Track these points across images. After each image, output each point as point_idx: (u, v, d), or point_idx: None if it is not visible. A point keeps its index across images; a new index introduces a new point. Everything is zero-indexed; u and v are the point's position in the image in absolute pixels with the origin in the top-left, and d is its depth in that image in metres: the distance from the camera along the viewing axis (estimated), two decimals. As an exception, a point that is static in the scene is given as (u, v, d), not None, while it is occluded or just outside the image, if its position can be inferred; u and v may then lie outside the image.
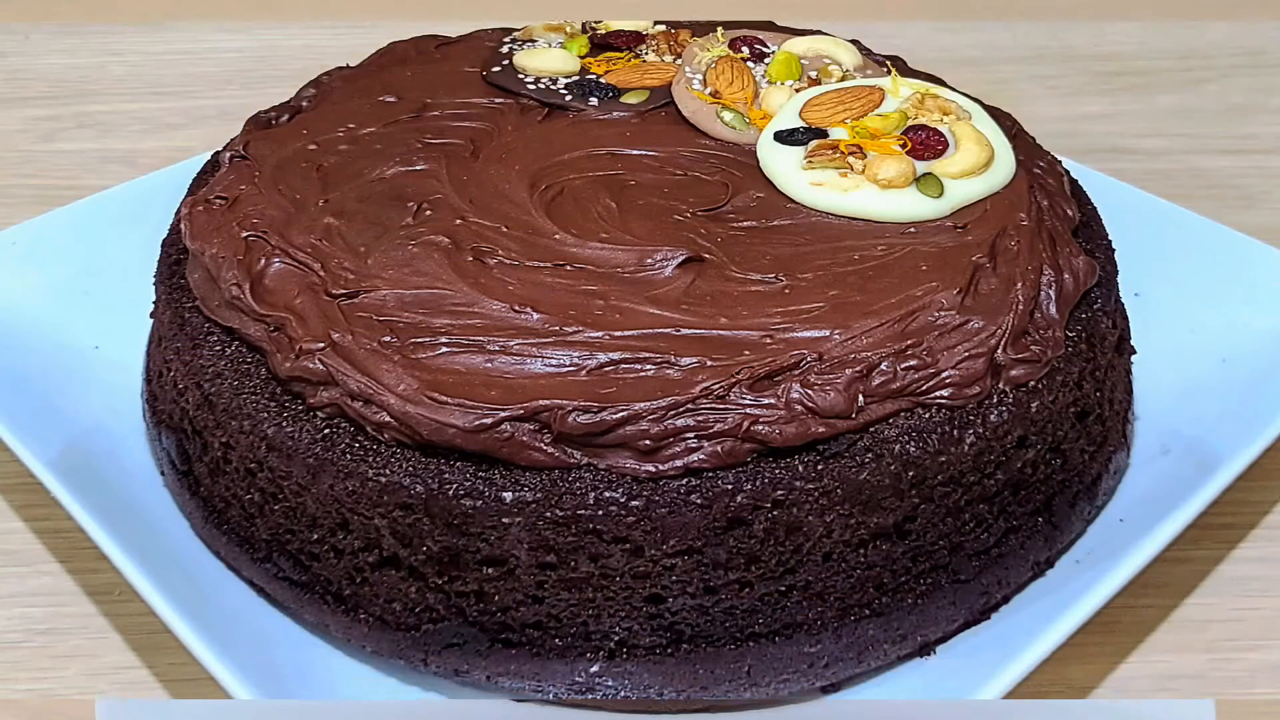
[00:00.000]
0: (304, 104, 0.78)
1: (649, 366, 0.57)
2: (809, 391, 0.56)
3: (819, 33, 0.80)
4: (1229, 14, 1.23)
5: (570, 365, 0.57)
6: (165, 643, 0.63)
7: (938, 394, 0.57)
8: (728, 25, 0.82)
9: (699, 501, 0.55)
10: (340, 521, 0.58)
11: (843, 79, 0.75)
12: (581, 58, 0.79)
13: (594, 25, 0.82)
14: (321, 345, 0.58)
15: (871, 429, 0.57)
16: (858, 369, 0.57)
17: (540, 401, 0.55)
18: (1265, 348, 0.72)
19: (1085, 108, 1.10)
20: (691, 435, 0.55)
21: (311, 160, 0.70)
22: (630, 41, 0.80)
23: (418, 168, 0.69)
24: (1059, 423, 0.61)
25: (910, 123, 0.70)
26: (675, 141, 0.71)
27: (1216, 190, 0.98)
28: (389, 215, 0.66)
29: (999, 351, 0.59)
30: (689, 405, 0.55)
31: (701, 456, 0.55)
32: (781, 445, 0.55)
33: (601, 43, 0.80)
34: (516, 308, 0.59)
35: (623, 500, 0.55)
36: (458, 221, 0.65)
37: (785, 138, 0.69)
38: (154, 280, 0.70)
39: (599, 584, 0.56)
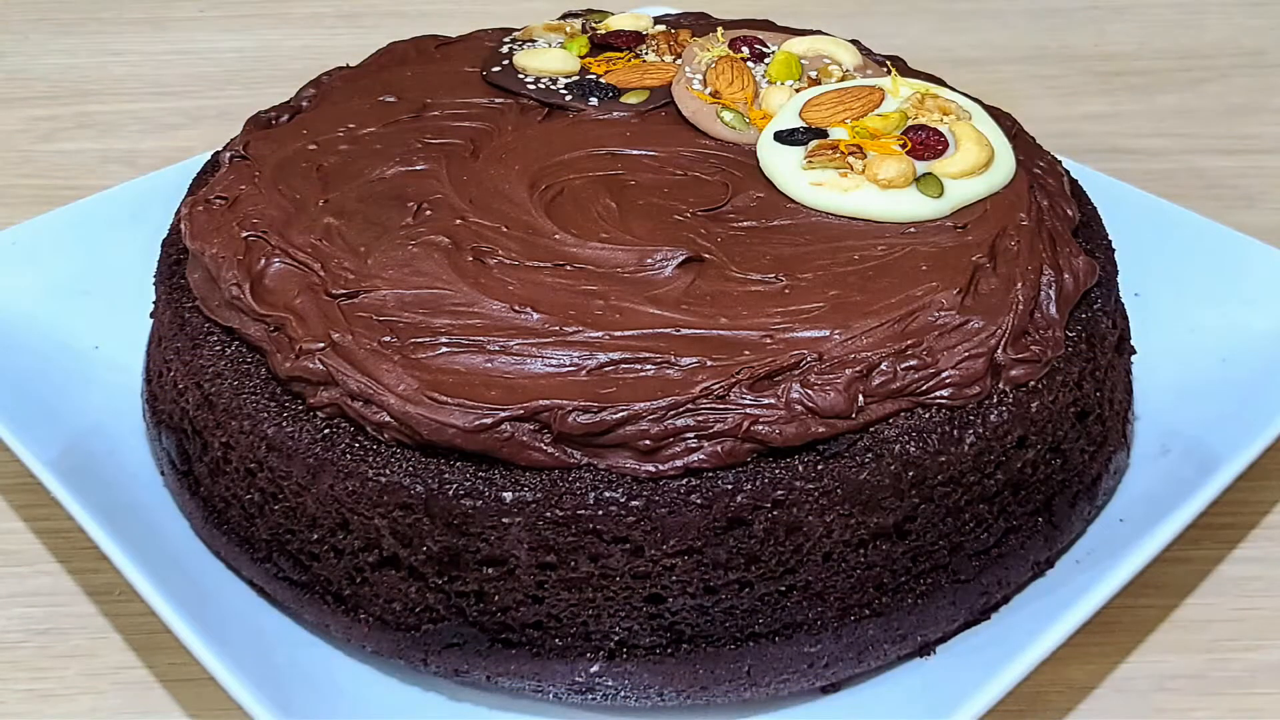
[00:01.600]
0: (304, 104, 0.78)
1: (649, 366, 0.57)
2: (809, 391, 0.56)
3: (819, 33, 0.80)
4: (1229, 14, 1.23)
5: (570, 365, 0.57)
6: (165, 643, 0.64)
7: (938, 394, 0.57)
8: (728, 25, 0.82)
9: (699, 501, 0.55)
10: (340, 521, 0.58)
11: (843, 79, 0.75)
12: (581, 58, 0.79)
13: (594, 25, 0.82)
14: (321, 345, 0.58)
15: (871, 429, 0.57)
16: (858, 369, 0.57)
17: (540, 401, 0.55)
18: (1265, 348, 0.72)
19: (1085, 108, 1.10)
20: (691, 435, 0.55)
21: (311, 160, 0.70)
22: (630, 41, 0.80)
23: (418, 168, 0.69)
24: (1059, 423, 0.61)
25: (910, 123, 0.70)
26: (675, 141, 0.71)
27: (1216, 190, 0.98)
28: (389, 215, 0.66)
29: (999, 351, 0.59)
30: (689, 405, 0.55)
31: (701, 456, 0.55)
32: (781, 445, 0.55)
33: (601, 43, 0.80)
34: (516, 308, 0.59)
35: (623, 500, 0.55)
36: (458, 221, 0.65)
37: (785, 138, 0.69)
38: (154, 280, 0.70)
39: (599, 584, 0.56)
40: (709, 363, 0.57)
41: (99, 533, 0.60)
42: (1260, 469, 0.69)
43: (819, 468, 0.56)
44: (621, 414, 0.55)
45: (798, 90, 0.74)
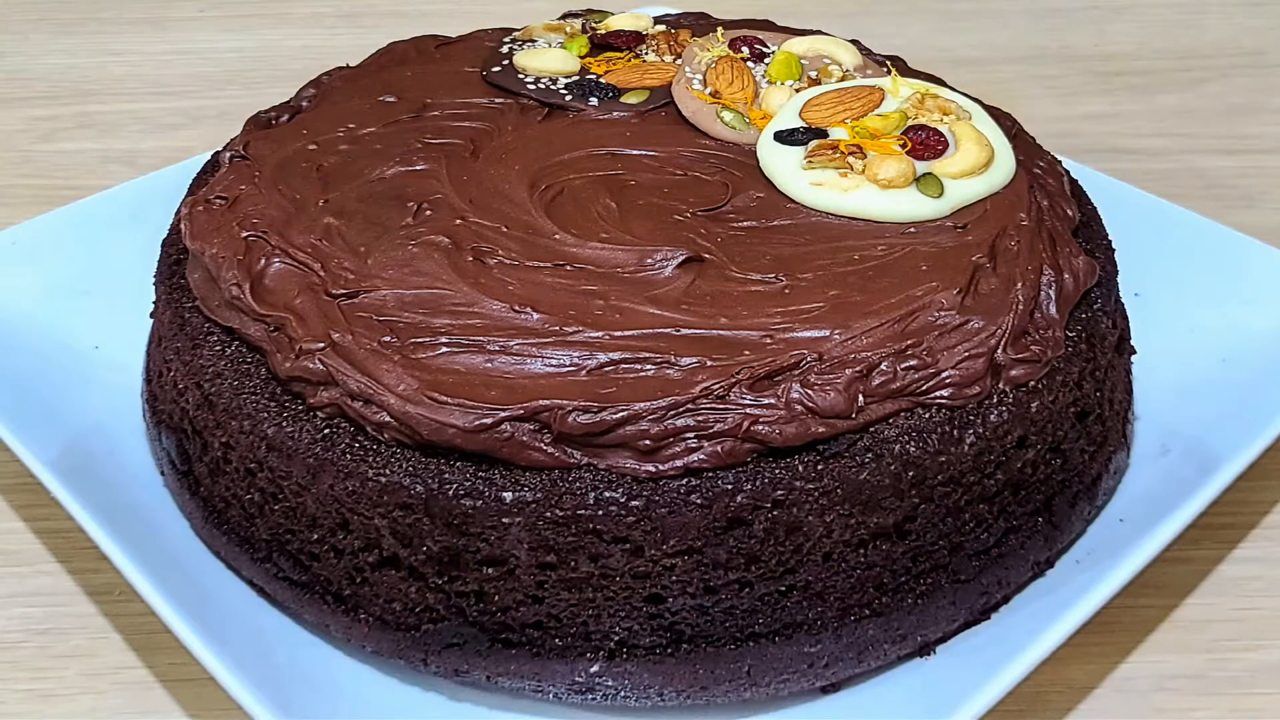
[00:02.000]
0: (304, 104, 0.78)
1: (649, 366, 0.57)
2: (809, 391, 0.56)
3: (819, 33, 0.80)
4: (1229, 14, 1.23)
5: (570, 365, 0.57)
6: (165, 643, 0.64)
7: (938, 394, 0.57)
8: (728, 25, 0.82)
9: (699, 501, 0.55)
10: (340, 521, 0.58)
11: (843, 79, 0.75)
12: (581, 58, 0.79)
13: (594, 25, 0.82)
14: (321, 345, 0.58)
15: (871, 429, 0.57)
16: (858, 369, 0.57)
17: (540, 401, 0.55)
18: (1265, 348, 0.72)
19: (1085, 108, 1.10)
20: (691, 435, 0.55)
21: (311, 160, 0.70)
22: (630, 41, 0.80)
23: (418, 168, 0.69)
24: (1059, 423, 0.61)
25: (910, 123, 0.70)
26: (675, 141, 0.71)
27: (1216, 190, 0.98)
28: (389, 215, 0.66)
29: (999, 351, 0.59)
30: (689, 405, 0.55)
31: (701, 456, 0.55)
32: (781, 445, 0.55)
33: (601, 43, 0.80)
34: (516, 308, 0.59)
35: (623, 500, 0.55)
36: (458, 221, 0.65)
37: (785, 138, 0.69)
38: (154, 280, 0.70)
39: (599, 584, 0.56)
40: (709, 363, 0.57)
41: (99, 533, 0.60)
42: (1260, 469, 0.69)
43: (819, 468, 0.56)
44: (621, 414, 0.55)
45: (798, 90, 0.74)
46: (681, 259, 0.62)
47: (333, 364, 0.58)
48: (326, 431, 0.58)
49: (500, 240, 0.64)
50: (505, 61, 0.79)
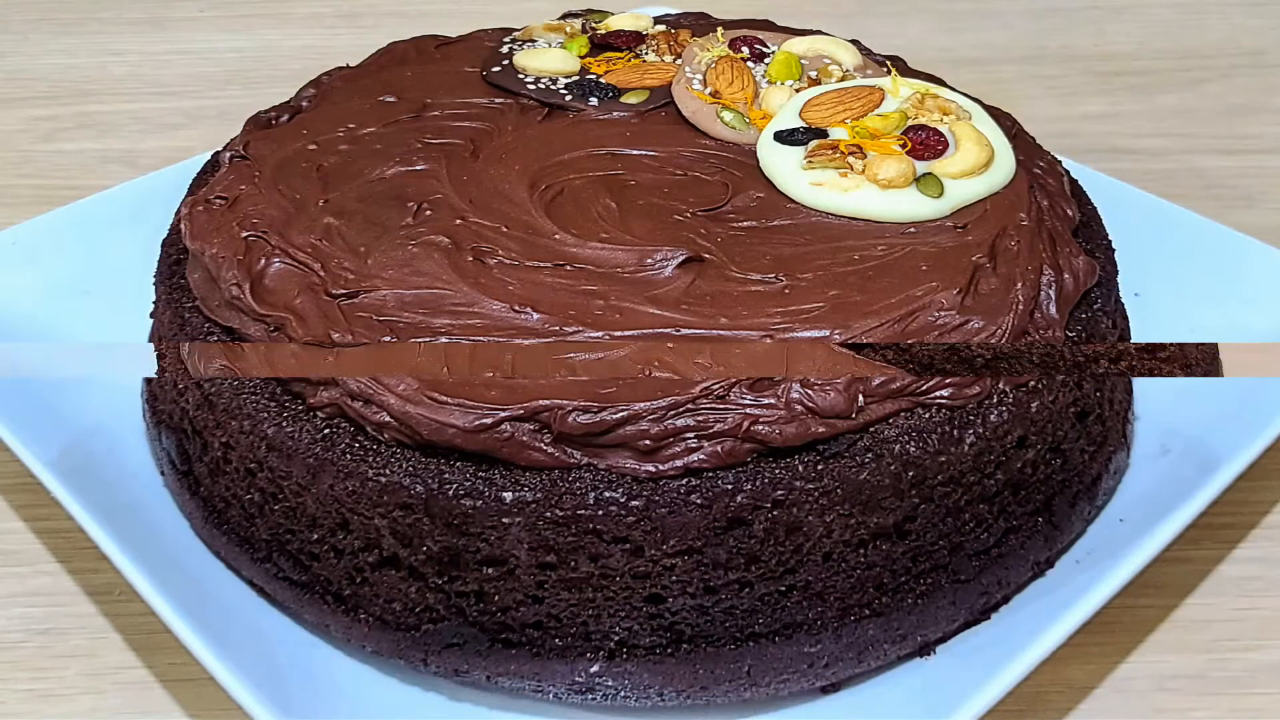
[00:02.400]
0: (304, 104, 0.78)
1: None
2: (809, 391, 0.56)
3: (819, 33, 0.80)
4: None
5: (570, 365, 0.57)
6: (165, 643, 0.64)
7: (938, 394, 0.57)
8: (728, 25, 0.82)
9: (699, 501, 0.55)
10: (340, 521, 0.58)
11: (843, 79, 0.75)
12: (581, 58, 0.79)
13: (594, 25, 0.82)
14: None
15: (871, 429, 0.57)
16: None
17: (540, 401, 0.55)
18: (1265, 348, 0.72)
19: (1085, 108, 1.10)
20: (691, 435, 0.55)
21: (311, 160, 0.70)
22: (630, 41, 0.80)
23: (418, 168, 0.69)
24: (1059, 423, 0.61)
25: (910, 123, 0.70)
26: (675, 141, 0.71)
27: (1216, 190, 0.98)
28: (389, 215, 0.66)
29: (999, 351, 0.59)
30: (689, 405, 0.55)
31: (701, 456, 0.55)
32: (781, 445, 0.55)
33: (601, 43, 0.80)
34: (516, 308, 0.59)
35: (623, 500, 0.55)
36: (458, 221, 0.65)
37: (785, 138, 0.69)
38: (154, 280, 0.70)
39: (599, 584, 0.56)
40: (709, 363, 0.57)
41: (99, 533, 0.60)
42: (1260, 469, 0.69)
43: (819, 468, 0.56)
44: (621, 414, 0.55)
45: (798, 90, 0.74)
46: (681, 259, 0.62)
47: (333, 364, 0.58)
48: (326, 431, 0.58)
49: (500, 240, 0.64)
50: (505, 61, 0.79)
